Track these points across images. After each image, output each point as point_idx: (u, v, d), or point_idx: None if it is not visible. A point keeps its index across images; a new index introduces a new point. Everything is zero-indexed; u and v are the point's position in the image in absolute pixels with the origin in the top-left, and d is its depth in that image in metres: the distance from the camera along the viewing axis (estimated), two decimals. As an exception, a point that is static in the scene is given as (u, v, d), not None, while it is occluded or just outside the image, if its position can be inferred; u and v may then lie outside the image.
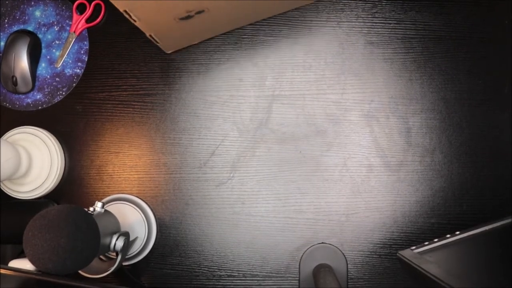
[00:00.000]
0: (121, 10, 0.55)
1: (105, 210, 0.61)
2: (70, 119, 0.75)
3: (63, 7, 0.76)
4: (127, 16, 0.56)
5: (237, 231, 0.73)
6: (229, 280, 0.72)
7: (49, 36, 0.76)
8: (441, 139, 0.71)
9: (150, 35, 0.64)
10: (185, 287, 0.73)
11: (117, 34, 0.75)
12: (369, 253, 0.71)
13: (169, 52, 0.72)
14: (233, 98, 0.73)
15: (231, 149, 0.73)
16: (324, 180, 0.72)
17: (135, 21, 0.57)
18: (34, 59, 0.75)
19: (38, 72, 0.76)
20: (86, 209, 0.57)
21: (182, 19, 0.61)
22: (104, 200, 0.73)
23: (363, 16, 0.72)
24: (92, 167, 0.75)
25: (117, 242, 0.60)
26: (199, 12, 0.61)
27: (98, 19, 0.75)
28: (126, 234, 0.61)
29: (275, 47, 0.73)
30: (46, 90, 0.76)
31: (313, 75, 0.73)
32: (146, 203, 0.73)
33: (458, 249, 0.59)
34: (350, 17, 0.72)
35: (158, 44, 0.67)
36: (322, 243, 0.71)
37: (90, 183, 0.75)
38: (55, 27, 0.76)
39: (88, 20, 0.75)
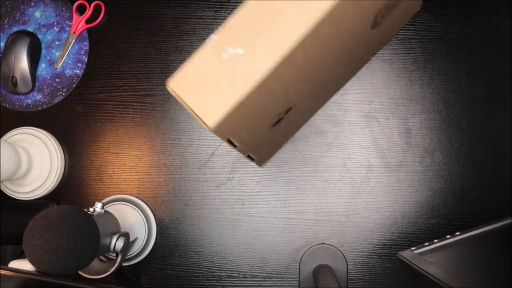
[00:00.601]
0: (225, 140, 0.53)
1: (105, 211, 0.61)
2: (70, 119, 0.75)
3: (63, 8, 0.76)
4: (228, 143, 0.54)
5: (237, 232, 0.73)
6: (229, 280, 0.72)
7: (49, 37, 0.76)
8: (441, 140, 0.71)
9: (248, 155, 0.62)
10: (185, 287, 0.73)
11: (117, 35, 0.75)
12: (369, 253, 0.71)
13: (262, 166, 0.72)
14: (233, 98, 0.73)
15: (231, 150, 0.73)
16: (324, 181, 0.72)
17: (236, 146, 0.55)
18: (34, 60, 0.75)
19: (38, 72, 0.76)
20: (86, 210, 0.57)
21: (274, 125, 0.58)
22: (104, 200, 0.73)
23: (363, 16, 0.72)
24: (92, 168, 0.75)
25: (117, 243, 0.60)
26: (287, 111, 0.58)
27: (98, 20, 0.75)
28: (126, 235, 0.61)
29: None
30: (46, 90, 0.76)
31: (313, 76, 0.73)
32: (146, 203, 0.73)
33: (458, 249, 0.59)
34: (350, 17, 0.72)
35: (254, 162, 0.66)
36: (322, 243, 0.71)
37: (90, 184, 0.75)
38: (55, 27, 0.76)
39: (88, 21, 0.75)
